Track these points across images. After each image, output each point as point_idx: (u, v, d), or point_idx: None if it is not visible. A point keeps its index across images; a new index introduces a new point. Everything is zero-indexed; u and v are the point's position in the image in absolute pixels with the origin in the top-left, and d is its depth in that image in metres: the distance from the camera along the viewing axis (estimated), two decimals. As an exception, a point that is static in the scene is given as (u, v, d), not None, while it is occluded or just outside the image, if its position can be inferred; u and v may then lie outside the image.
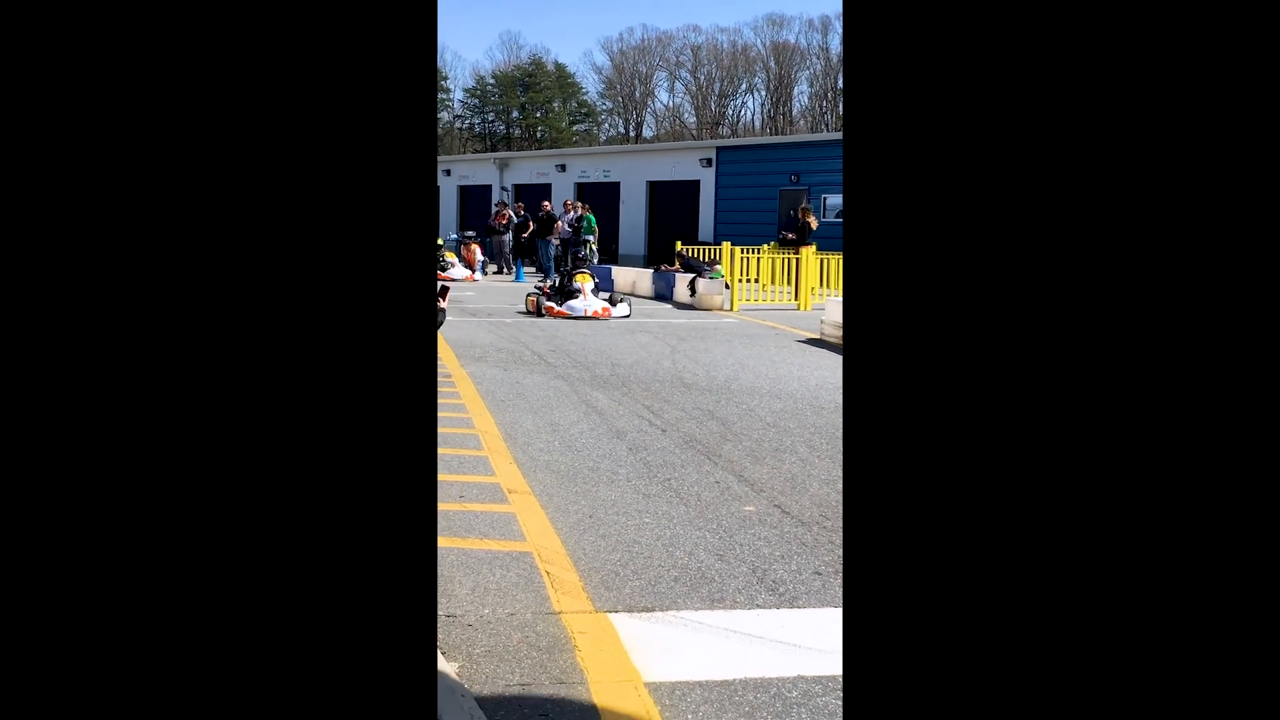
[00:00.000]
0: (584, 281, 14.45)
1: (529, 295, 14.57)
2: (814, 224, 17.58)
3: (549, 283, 15.06)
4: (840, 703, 2.89)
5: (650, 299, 16.99)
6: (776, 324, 13.64)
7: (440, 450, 5.84)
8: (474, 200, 34.17)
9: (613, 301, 14.25)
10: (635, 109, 64.04)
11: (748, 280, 16.69)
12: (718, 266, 16.67)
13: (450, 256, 21.61)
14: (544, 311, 13.82)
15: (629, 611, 3.56)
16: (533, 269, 22.05)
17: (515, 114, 63.70)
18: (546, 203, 22.66)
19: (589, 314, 13.68)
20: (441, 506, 4.74)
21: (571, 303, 13.89)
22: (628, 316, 13.91)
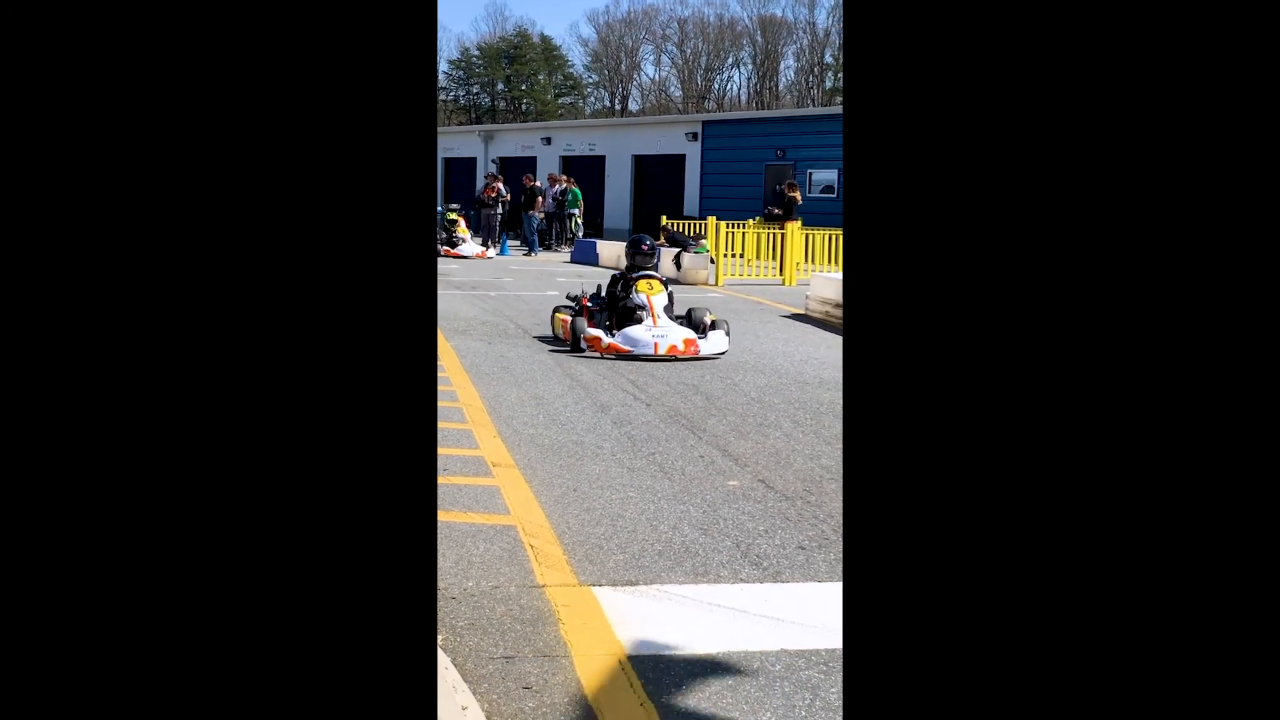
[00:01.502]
0: (651, 294, 8.76)
1: (557, 313, 9.29)
2: (799, 199, 17.59)
3: (588, 293, 9.33)
4: (822, 676, 2.90)
5: (635, 273, 16.91)
6: (761, 299, 13.63)
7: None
8: (459, 173, 33.98)
9: (698, 327, 8.61)
10: (621, 82, 63.77)
11: (733, 255, 16.67)
12: (703, 241, 16.63)
13: (463, 232, 20.13)
14: (585, 344, 8.42)
15: (613, 585, 3.57)
16: (517, 242, 21.96)
17: (500, 86, 63.34)
18: (529, 176, 22.55)
19: (661, 352, 8.19)
20: (425, 480, 4.73)
21: (632, 332, 8.40)
22: (724, 353, 8.52)
